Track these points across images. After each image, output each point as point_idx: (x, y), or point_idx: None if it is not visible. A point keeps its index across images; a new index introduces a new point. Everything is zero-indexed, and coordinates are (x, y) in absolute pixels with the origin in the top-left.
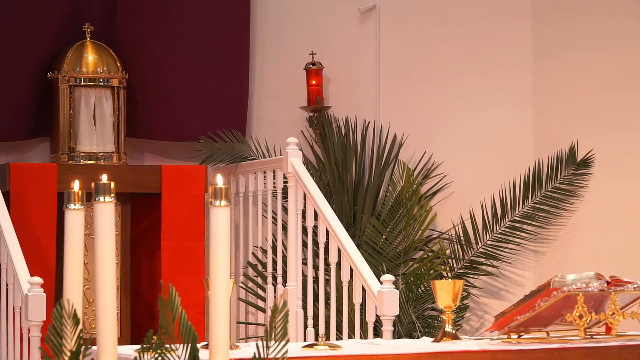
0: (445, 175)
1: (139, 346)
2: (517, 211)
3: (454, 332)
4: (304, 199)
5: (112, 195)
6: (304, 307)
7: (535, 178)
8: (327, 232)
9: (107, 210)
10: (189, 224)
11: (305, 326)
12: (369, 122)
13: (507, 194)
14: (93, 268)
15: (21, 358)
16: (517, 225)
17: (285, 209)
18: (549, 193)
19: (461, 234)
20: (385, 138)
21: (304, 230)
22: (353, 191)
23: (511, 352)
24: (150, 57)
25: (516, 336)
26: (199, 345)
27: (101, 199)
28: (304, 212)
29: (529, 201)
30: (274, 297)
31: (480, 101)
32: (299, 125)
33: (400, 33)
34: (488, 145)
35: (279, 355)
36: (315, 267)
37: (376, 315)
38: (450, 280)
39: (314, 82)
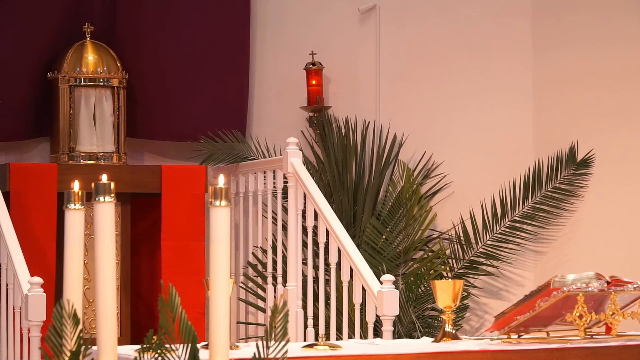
0: (445, 175)
1: (139, 346)
2: (517, 211)
3: (454, 332)
4: (304, 199)
5: (112, 195)
6: (304, 307)
7: (535, 178)
8: (327, 232)
9: (107, 210)
10: (189, 224)
11: (305, 326)
12: (369, 122)
13: (507, 194)
14: (93, 268)
15: (21, 358)
16: (517, 225)
17: (285, 209)
18: (549, 193)
19: (461, 234)
20: (385, 138)
21: (304, 230)
22: (353, 191)
23: (511, 352)
24: (150, 57)
25: (516, 336)
26: (199, 345)
27: (101, 199)
28: (304, 212)
29: (529, 201)
30: (274, 297)
31: (480, 101)
32: (299, 125)
33: (400, 33)
34: (488, 145)
35: (279, 355)
36: (315, 267)
37: (376, 315)
38: (450, 280)
39: (314, 82)
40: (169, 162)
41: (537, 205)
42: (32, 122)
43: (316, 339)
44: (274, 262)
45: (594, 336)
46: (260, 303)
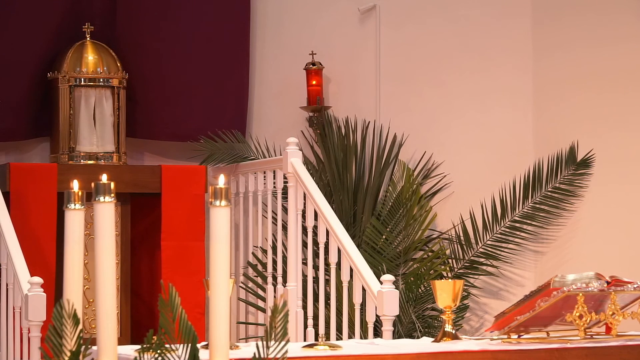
0: (445, 175)
1: (139, 346)
2: (517, 211)
3: (454, 332)
4: (304, 199)
5: (112, 195)
6: (304, 307)
7: (535, 178)
8: (327, 232)
9: (107, 210)
10: (189, 224)
11: (305, 326)
12: (369, 122)
13: (507, 194)
14: (93, 268)
15: (21, 358)
16: (517, 225)
17: (285, 209)
18: (549, 193)
19: (461, 234)
20: (385, 138)
21: (304, 230)
22: (353, 191)
23: (511, 352)
24: (150, 57)
25: (516, 336)
26: (199, 345)
27: (101, 199)
28: (304, 212)
29: (529, 201)
30: (274, 297)
31: (480, 101)
32: (299, 125)
33: (400, 33)
34: (488, 146)
35: (279, 355)
36: (315, 267)
37: (376, 315)
38: (450, 280)
39: (314, 82)
40: (169, 162)
41: (537, 205)
42: (32, 122)
43: (316, 339)
44: (274, 262)
45: (594, 336)
46: (260, 303)
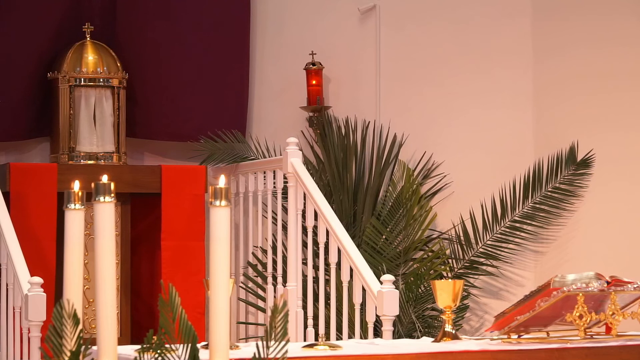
0: (445, 175)
1: (139, 346)
2: (517, 211)
3: (454, 332)
4: (304, 199)
5: (112, 195)
6: (304, 307)
7: (535, 178)
8: (327, 232)
9: (107, 210)
10: (189, 224)
11: (305, 326)
12: (369, 122)
13: (507, 194)
14: (93, 268)
15: (21, 358)
16: (517, 225)
17: (285, 209)
18: (549, 193)
19: (461, 234)
20: (385, 138)
21: (304, 230)
22: (353, 191)
23: (511, 352)
24: (150, 57)
25: (516, 336)
26: (199, 345)
27: (101, 199)
28: (304, 212)
29: (529, 201)
30: (274, 297)
31: (480, 101)
32: (299, 125)
33: (400, 33)
34: (488, 145)
35: (279, 355)
36: (315, 267)
37: (376, 315)
38: (450, 280)
39: (314, 82)
40: (169, 162)
41: (537, 205)
42: (32, 122)
43: (316, 339)
44: (274, 262)
45: (594, 336)
46: (260, 303)
